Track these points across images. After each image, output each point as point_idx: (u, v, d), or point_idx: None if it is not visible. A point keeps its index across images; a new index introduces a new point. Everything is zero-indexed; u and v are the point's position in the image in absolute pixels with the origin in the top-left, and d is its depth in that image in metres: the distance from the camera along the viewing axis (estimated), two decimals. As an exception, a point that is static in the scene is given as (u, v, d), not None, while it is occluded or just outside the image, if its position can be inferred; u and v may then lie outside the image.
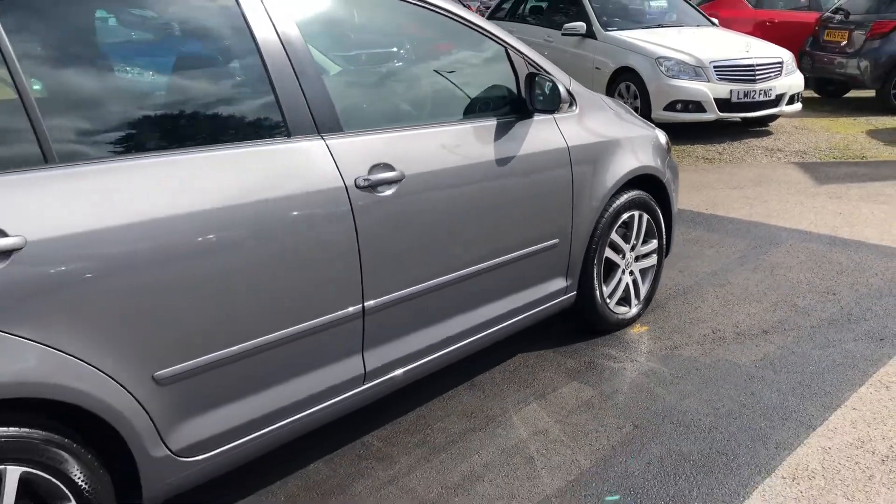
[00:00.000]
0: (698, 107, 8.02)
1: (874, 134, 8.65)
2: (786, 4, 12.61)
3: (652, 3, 9.99)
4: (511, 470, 2.75)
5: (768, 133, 8.75)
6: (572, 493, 2.61)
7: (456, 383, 3.33)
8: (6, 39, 1.91)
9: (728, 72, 8.14)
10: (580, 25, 8.85)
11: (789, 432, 2.92)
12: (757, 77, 8.21)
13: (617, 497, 2.55)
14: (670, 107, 8.06)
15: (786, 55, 8.58)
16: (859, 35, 10.11)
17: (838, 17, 10.60)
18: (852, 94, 11.17)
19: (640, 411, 3.10)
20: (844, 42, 10.32)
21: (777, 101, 8.40)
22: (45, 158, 1.95)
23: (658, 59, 8.10)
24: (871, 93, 10.45)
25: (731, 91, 8.10)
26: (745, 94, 8.14)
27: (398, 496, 2.62)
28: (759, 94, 8.21)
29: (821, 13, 11.54)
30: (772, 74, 8.34)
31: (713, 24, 9.79)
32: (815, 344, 3.62)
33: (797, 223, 5.44)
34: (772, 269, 4.58)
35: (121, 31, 2.35)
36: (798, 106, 8.74)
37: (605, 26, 8.89)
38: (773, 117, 8.77)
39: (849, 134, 8.66)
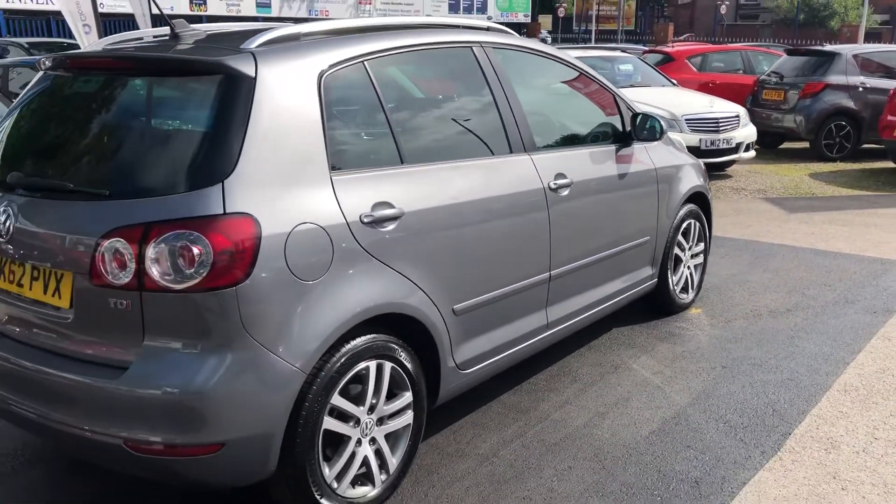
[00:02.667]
0: (675, 153, 9.39)
1: (815, 176, 10.22)
2: (724, 68, 14.38)
3: (620, 67, 11.46)
4: (648, 394, 3.83)
5: (728, 176, 10.21)
6: (697, 405, 3.71)
7: (577, 347, 4.40)
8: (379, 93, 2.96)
9: (697, 124, 9.58)
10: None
11: (832, 366, 4.10)
12: (720, 128, 9.68)
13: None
14: (651, 153, 9.40)
15: (741, 110, 10.11)
16: (793, 94, 11.81)
17: (774, 78, 12.32)
18: (786, 145, 12.85)
19: (722, 359, 4.23)
20: (781, 100, 12.01)
21: (737, 148, 9.88)
22: (402, 160, 2.99)
23: (640, 113, 9.46)
24: (803, 144, 12.12)
25: (700, 140, 9.52)
26: (712, 143, 9.59)
27: (577, 411, 3.67)
28: (723, 142, 9.67)
29: (756, 76, 13.29)
30: (732, 126, 9.83)
31: (673, 84, 11.31)
32: (829, 315, 4.85)
33: (782, 240, 6.76)
34: (776, 271, 5.84)
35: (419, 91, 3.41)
36: (752, 153, 10.25)
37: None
38: (732, 162, 10.24)
39: (795, 176, 10.20)
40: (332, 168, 2.71)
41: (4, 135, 3.00)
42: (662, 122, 4.25)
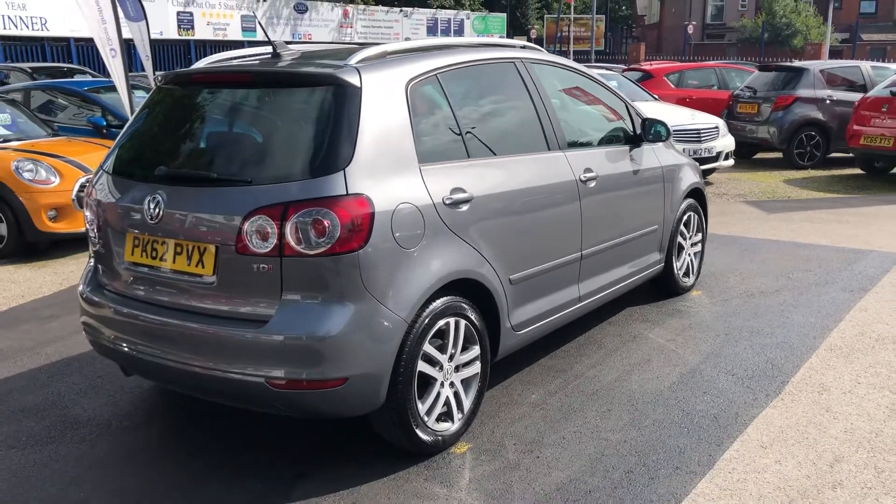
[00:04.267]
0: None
1: (789, 182, 11.03)
2: (699, 84, 15.25)
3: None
4: (665, 356, 4.49)
5: (710, 183, 10.98)
6: (707, 363, 4.37)
7: (598, 322, 5.06)
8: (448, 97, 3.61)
9: (680, 135, 10.33)
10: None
11: (818, 332, 4.79)
12: (702, 138, 10.45)
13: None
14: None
15: (720, 122, 10.90)
16: (766, 107, 12.66)
17: (748, 93, 13.18)
18: (760, 155, 13.69)
19: (724, 328, 4.91)
20: (755, 113, 12.86)
21: (717, 157, 10.66)
22: (468, 155, 3.64)
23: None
24: (776, 154, 12.97)
25: (683, 149, 10.22)
26: (695, 152, 10.34)
27: (607, 370, 4.31)
28: (704, 151, 10.43)
29: (730, 91, 14.16)
30: (712, 136, 10.60)
31: (655, 98, 12.10)
32: (812, 294, 5.56)
33: (765, 235, 7.50)
34: (763, 260, 6.56)
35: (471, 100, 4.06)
36: (731, 161, 11.03)
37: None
38: (712, 170, 11.01)
39: (770, 182, 11.00)
40: (420, 160, 3.34)
41: (139, 138, 3.61)
42: (668, 127, 4.93)
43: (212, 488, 3.24)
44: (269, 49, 3.72)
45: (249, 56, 3.91)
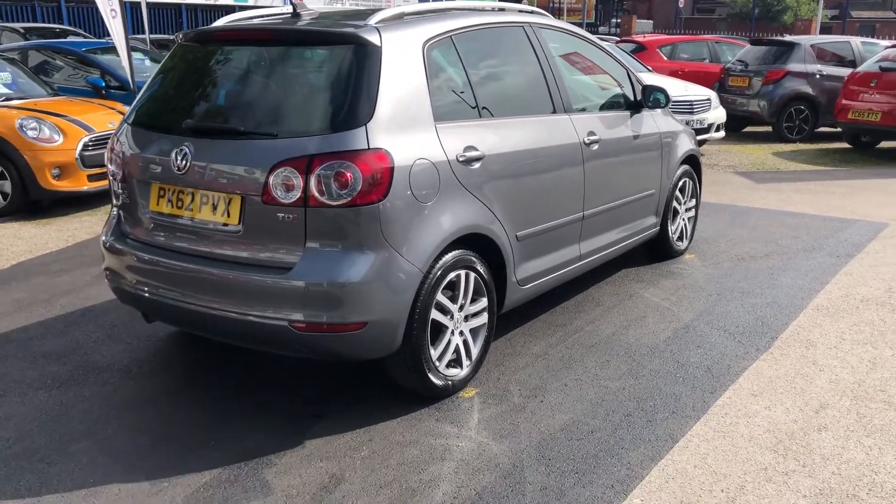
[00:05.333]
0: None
1: (778, 154, 11.24)
2: (691, 57, 15.39)
3: (599, 54, 12.33)
4: (660, 313, 4.70)
5: (701, 154, 11.13)
6: (700, 319, 4.58)
7: (596, 282, 5.25)
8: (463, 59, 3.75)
9: (674, 106, 10.49)
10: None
11: (805, 293, 5.01)
12: (694, 110, 10.61)
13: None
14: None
15: (712, 94, 11.07)
16: (757, 81, 12.83)
17: (739, 66, 13.34)
18: (750, 128, 13.88)
19: (716, 288, 5.12)
20: (745, 86, 13.03)
21: (708, 129, 10.83)
22: (479, 115, 3.81)
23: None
24: (766, 127, 13.17)
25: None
26: (687, 124, 10.49)
27: (605, 325, 4.52)
28: (696, 123, 10.60)
29: (721, 65, 14.32)
30: (704, 108, 10.77)
31: (649, 70, 12.24)
32: (800, 259, 5.79)
33: (754, 204, 7.71)
34: (753, 227, 6.78)
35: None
36: (722, 133, 11.21)
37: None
38: (703, 142, 11.20)
39: (760, 155, 11.21)
40: (435, 119, 3.50)
41: (164, 93, 3.75)
42: (668, 94, 5.10)
43: (234, 426, 3.42)
44: (287, 10, 3.85)
45: (269, 16, 4.03)
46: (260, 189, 3.21)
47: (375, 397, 3.64)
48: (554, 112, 4.30)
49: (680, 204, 5.72)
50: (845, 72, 12.00)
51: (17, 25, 15.39)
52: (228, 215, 3.33)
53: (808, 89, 12.40)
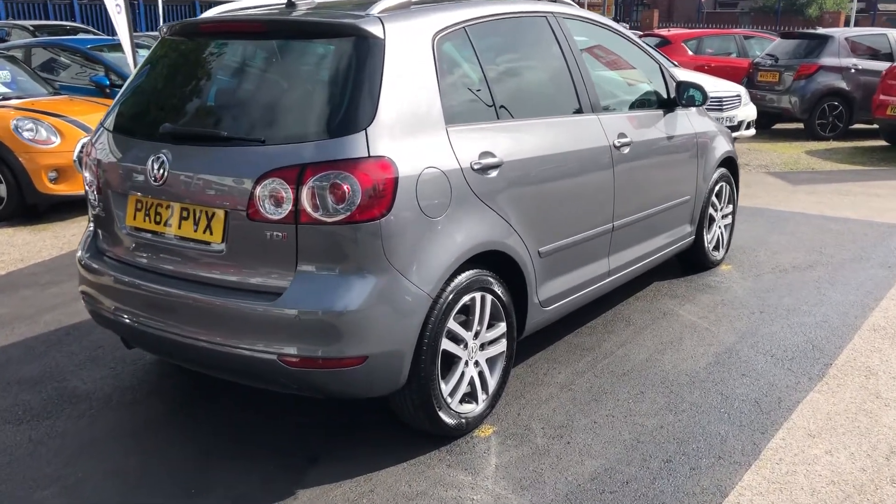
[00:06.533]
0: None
1: (812, 153, 10.69)
2: (716, 52, 14.83)
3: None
4: (698, 334, 4.24)
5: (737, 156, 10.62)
6: (743, 342, 4.11)
7: (625, 297, 4.79)
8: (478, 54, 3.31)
9: (702, 102, 9.98)
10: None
11: (859, 310, 4.53)
12: (724, 107, 10.10)
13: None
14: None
15: (742, 90, 10.54)
16: (788, 76, 12.27)
17: (769, 61, 12.78)
18: (779, 125, 13.32)
19: (758, 305, 4.65)
20: (776, 81, 12.47)
21: (738, 126, 10.32)
22: (497, 116, 3.36)
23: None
24: (796, 124, 12.60)
25: (704, 118, 9.92)
26: (716, 120, 9.99)
27: (637, 348, 4.06)
28: (726, 120, 10.09)
29: (749, 59, 13.75)
30: (734, 105, 10.26)
31: (675, 65, 11.71)
32: (847, 270, 5.29)
33: (793, 208, 7.21)
34: (792, 233, 6.28)
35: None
36: (752, 131, 10.69)
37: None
38: (733, 140, 10.66)
39: (792, 154, 10.67)
40: (447, 121, 3.06)
41: (143, 94, 3.33)
42: (705, 91, 4.63)
43: (220, 470, 3.01)
44: (282, 0, 3.42)
45: (261, 6, 3.60)
46: (245, 203, 2.79)
47: (378, 436, 3.22)
48: (580, 112, 3.85)
49: (716, 210, 5.25)
50: (882, 66, 11.43)
51: (27, 23, 15.12)
52: (210, 232, 2.92)
53: (843, 84, 11.84)
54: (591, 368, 3.82)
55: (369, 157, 2.74)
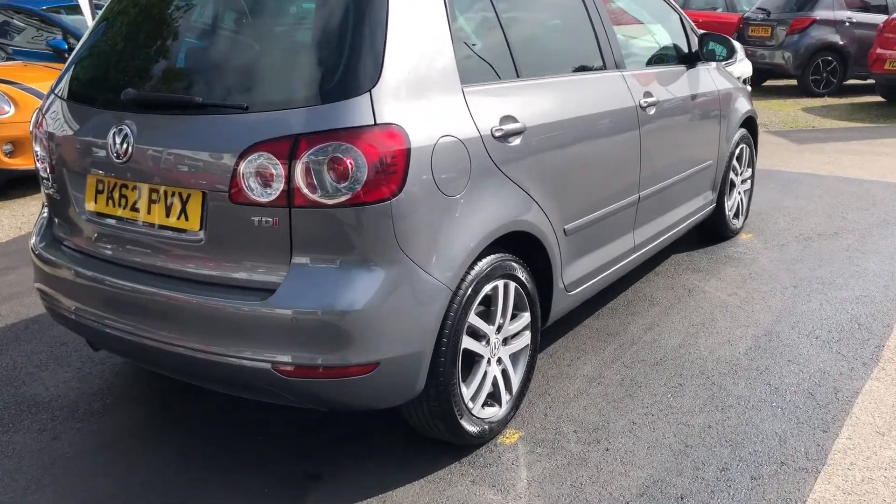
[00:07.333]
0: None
1: (809, 111, 10.31)
2: (705, 6, 14.34)
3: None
4: (730, 314, 3.84)
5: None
6: (782, 322, 3.72)
7: (644, 273, 4.38)
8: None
9: (697, 59, 9.53)
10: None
11: (900, 282, 4.16)
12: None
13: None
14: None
15: (738, 46, 10.07)
16: (781, 30, 11.84)
17: (760, 15, 12.32)
18: (770, 81, 12.92)
19: (790, 279, 4.25)
20: (768, 36, 12.04)
21: (734, 83, 9.87)
22: (517, 74, 2.89)
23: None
24: (786, 81, 12.20)
25: (700, 75, 9.48)
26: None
27: (667, 332, 3.65)
28: (722, 77, 9.64)
29: (739, 13, 13.29)
30: (730, 61, 9.79)
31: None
32: (876, 237, 4.91)
33: (801, 168, 6.82)
34: (808, 197, 5.89)
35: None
36: (748, 88, 10.24)
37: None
38: (728, 99, 10.25)
39: (789, 112, 10.28)
40: (462, 80, 2.59)
41: (100, 54, 2.82)
42: (733, 43, 4.18)
43: (209, 490, 2.57)
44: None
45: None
46: (226, 182, 2.32)
47: (390, 447, 2.80)
48: (604, 68, 3.38)
49: (737, 175, 4.84)
50: (877, 18, 11.03)
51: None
52: (186, 218, 2.45)
53: (837, 38, 11.44)
54: (620, 357, 3.41)
55: (375, 124, 2.27)
